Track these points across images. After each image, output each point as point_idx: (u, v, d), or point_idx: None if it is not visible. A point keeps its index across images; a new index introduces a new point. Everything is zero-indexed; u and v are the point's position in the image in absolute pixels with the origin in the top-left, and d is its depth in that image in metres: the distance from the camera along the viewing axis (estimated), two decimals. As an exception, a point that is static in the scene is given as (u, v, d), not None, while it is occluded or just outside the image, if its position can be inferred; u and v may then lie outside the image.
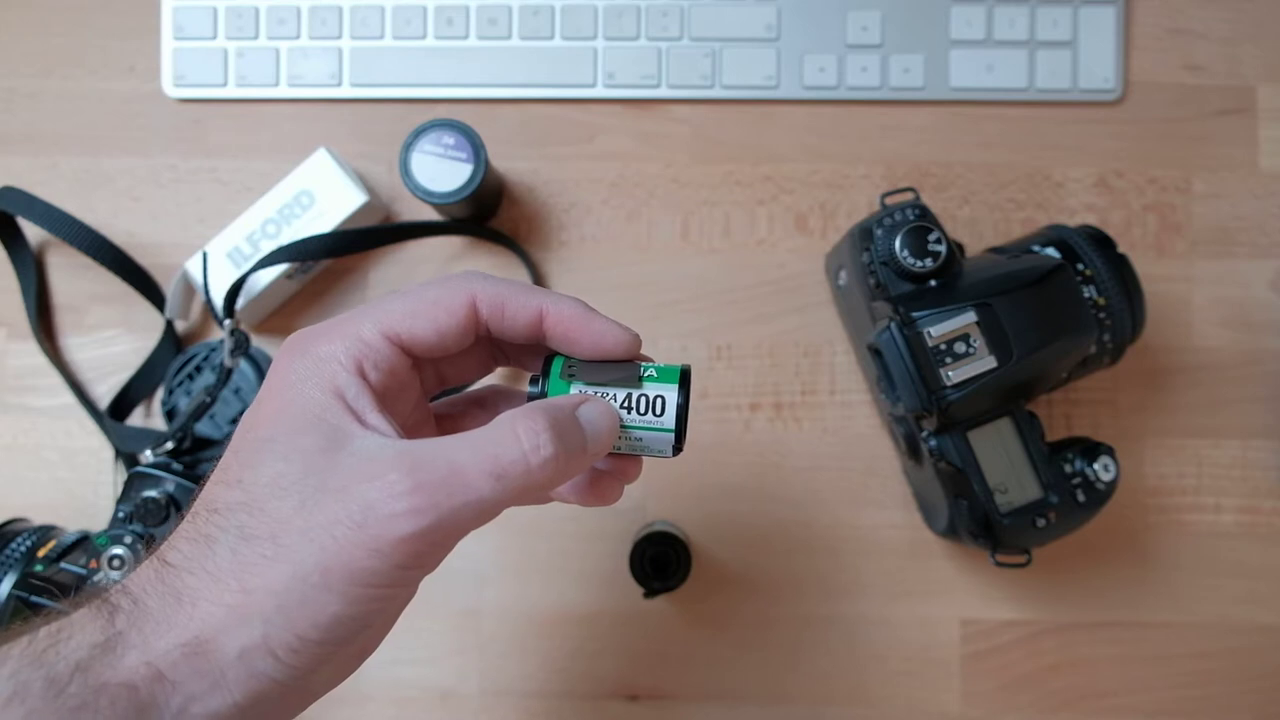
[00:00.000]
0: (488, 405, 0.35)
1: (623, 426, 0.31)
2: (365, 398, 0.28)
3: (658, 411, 0.31)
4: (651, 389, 0.31)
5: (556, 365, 0.32)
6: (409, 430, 0.30)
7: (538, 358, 0.33)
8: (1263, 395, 0.55)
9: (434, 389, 0.34)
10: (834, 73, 0.56)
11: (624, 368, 0.31)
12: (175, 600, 0.26)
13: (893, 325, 0.44)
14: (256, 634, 0.25)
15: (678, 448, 0.32)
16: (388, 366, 0.29)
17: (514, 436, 0.27)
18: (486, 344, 0.34)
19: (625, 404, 0.31)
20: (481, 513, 0.27)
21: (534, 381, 0.32)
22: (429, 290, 0.30)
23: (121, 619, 0.26)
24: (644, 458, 0.33)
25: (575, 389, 0.31)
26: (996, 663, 0.54)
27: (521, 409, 0.29)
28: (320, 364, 0.29)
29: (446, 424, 0.35)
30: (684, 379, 0.31)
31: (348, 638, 0.26)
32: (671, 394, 0.31)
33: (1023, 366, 0.43)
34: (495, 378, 0.50)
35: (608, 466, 0.33)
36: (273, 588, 0.25)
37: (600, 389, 0.31)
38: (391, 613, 0.29)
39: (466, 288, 0.30)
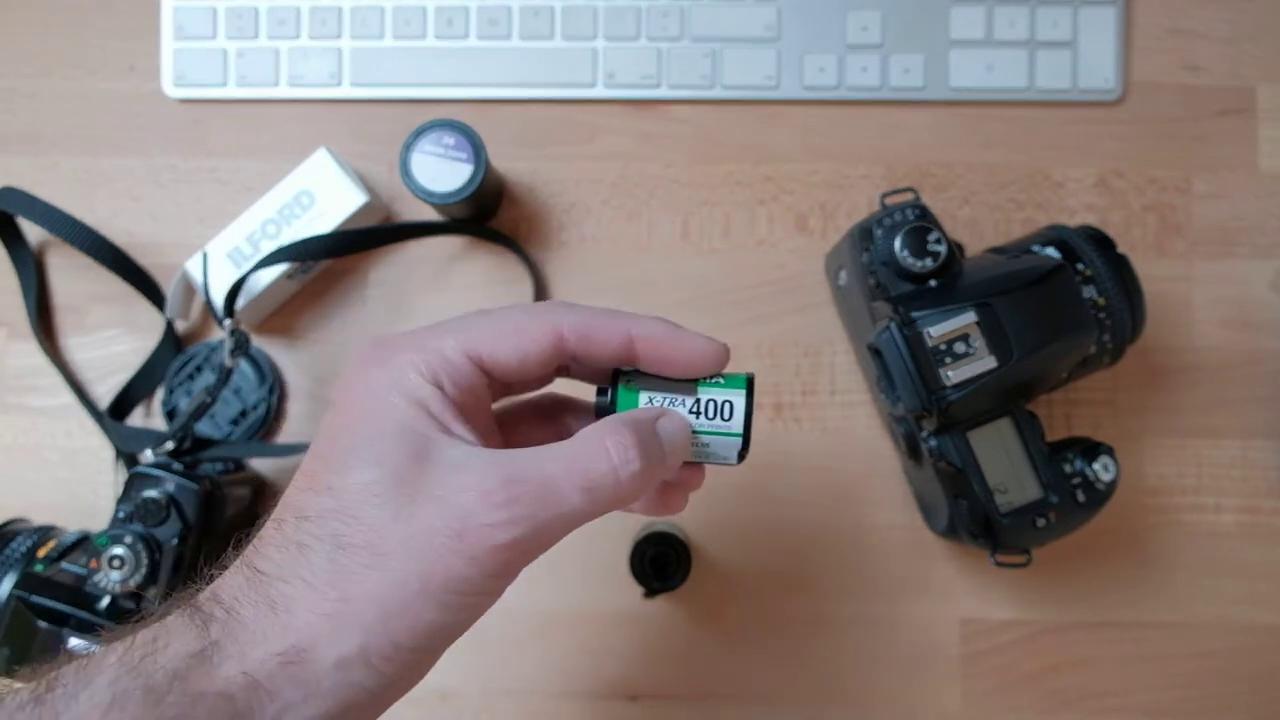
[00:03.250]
0: (548, 413, 0.36)
1: (692, 432, 0.31)
2: (449, 410, 0.29)
3: (725, 416, 0.31)
4: (719, 394, 0.32)
5: (624, 375, 0.32)
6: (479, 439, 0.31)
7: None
8: (1263, 395, 0.55)
9: (498, 397, 0.34)
10: (834, 73, 0.56)
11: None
12: (270, 609, 0.26)
13: (893, 325, 0.44)
14: (355, 643, 0.26)
15: (743, 454, 0.32)
16: (467, 385, 0.30)
17: (604, 451, 0.28)
18: None
19: (694, 409, 0.31)
20: (569, 524, 0.28)
21: (601, 391, 0.32)
22: (514, 315, 0.31)
23: (216, 628, 0.26)
24: (708, 466, 0.33)
25: (644, 397, 0.32)
26: (996, 663, 0.54)
27: (607, 423, 0.29)
28: (401, 374, 0.29)
29: (508, 430, 0.35)
30: (749, 385, 0.32)
31: (438, 646, 0.27)
32: (739, 399, 0.31)
33: (1023, 366, 0.43)
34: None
35: (675, 477, 0.33)
36: (373, 595, 0.26)
37: (669, 396, 0.31)
38: (473, 622, 0.29)
39: (551, 318, 0.31)
